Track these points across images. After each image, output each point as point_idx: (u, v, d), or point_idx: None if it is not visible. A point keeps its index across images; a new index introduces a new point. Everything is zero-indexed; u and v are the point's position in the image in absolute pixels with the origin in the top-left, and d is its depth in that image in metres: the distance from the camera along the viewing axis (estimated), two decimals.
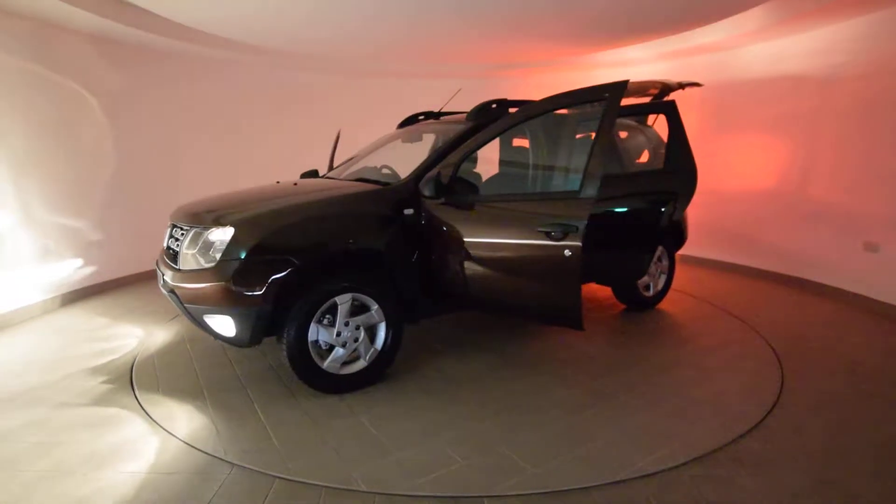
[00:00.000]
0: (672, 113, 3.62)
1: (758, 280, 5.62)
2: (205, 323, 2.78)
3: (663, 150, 4.68)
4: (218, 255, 2.67)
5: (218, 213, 2.84)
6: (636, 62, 6.47)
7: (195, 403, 2.83)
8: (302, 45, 5.64)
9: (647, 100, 4.82)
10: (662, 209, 3.91)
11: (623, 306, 4.58)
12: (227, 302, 2.66)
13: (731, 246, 6.10)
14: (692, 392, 2.97)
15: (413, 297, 3.17)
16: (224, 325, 2.72)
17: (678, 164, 3.82)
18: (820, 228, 5.11)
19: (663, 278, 4.62)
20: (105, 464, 2.28)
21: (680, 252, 6.49)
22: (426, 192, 3.00)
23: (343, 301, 2.87)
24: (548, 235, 2.69)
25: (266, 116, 6.66)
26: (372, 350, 3.02)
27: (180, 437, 2.49)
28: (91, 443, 2.45)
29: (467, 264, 3.05)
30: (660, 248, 4.49)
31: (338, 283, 2.84)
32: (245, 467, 2.25)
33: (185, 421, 2.65)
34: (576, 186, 2.67)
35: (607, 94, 2.64)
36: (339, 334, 2.88)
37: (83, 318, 4.30)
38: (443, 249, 3.12)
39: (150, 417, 2.68)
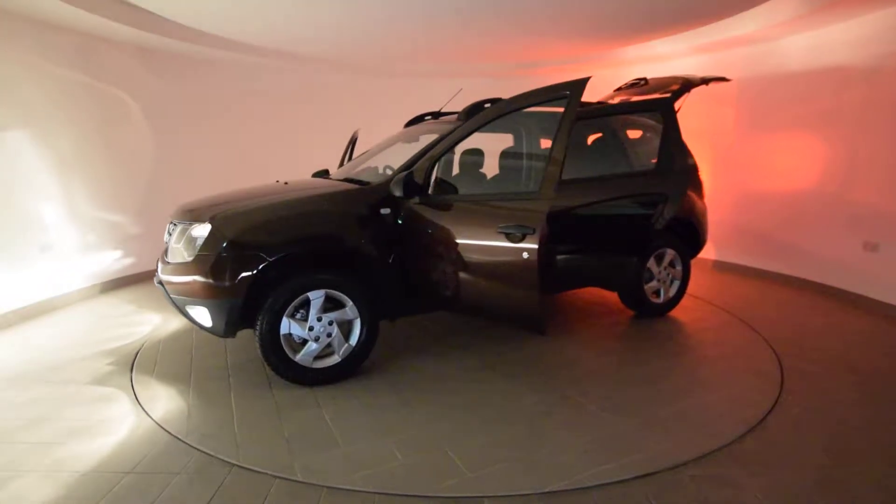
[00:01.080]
0: (667, 110, 3.43)
1: (796, 290, 5.20)
2: (188, 313, 2.97)
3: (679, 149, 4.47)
4: (197, 250, 2.85)
5: (200, 211, 3.02)
6: (667, 57, 6.16)
7: (179, 388, 3.04)
8: (323, 49, 5.84)
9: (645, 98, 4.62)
10: (652, 212, 3.71)
11: (632, 312, 4.41)
12: (203, 294, 2.83)
13: (766, 252, 5.68)
14: (680, 401, 2.85)
15: (390, 296, 3.22)
16: (202, 315, 2.90)
17: (670, 165, 3.61)
18: (865, 234, 4.65)
19: (676, 284, 4.38)
20: (80, 437, 2.50)
21: (715, 258, 6.16)
22: (395, 193, 3.04)
23: (315, 297, 2.97)
24: (508, 237, 2.65)
25: (291, 117, 6.93)
26: (346, 346, 3.10)
27: (154, 418, 2.69)
28: (76, 419, 2.69)
29: (438, 265, 3.07)
30: (670, 253, 4.27)
31: (309, 279, 2.94)
32: (205, 452, 2.39)
33: (163, 402, 2.85)
34: (536, 188, 2.61)
35: (568, 92, 2.56)
36: (311, 329, 2.98)
37: (115, 305, 4.71)
38: (416, 249, 3.15)
39: (136, 398, 2.91)
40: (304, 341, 3.00)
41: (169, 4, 4.29)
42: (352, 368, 3.15)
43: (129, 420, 2.67)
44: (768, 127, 5.56)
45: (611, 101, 4.94)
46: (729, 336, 3.90)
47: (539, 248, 2.53)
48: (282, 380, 3.08)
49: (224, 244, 2.81)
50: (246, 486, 2.13)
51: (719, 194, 6.08)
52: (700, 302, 4.78)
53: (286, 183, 3.61)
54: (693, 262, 6.28)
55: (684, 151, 3.47)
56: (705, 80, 4.50)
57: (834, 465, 2.28)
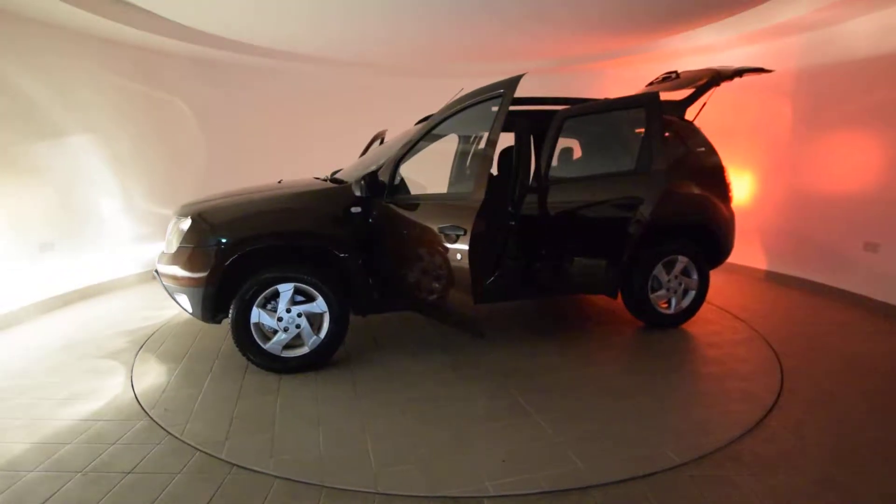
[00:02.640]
0: (653, 106, 3.17)
1: (849, 308, 4.56)
2: (175, 299, 3.28)
3: (702, 148, 4.13)
4: (179, 242, 3.14)
5: (189, 206, 3.32)
6: (714, 48, 5.66)
7: (168, 367, 3.37)
8: (358, 52, 6.08)
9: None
10: (629, 215, 3.44)
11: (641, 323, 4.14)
12: (183, 282, 3.12)
13: (819, 263, 5.03)
14: (652, 418, 2.68)
15: (359, 293, 3.31)
16: (185, 302, 3.19)
17: (649, 166, 3.33)
18: None
19: (690, 295, 4.04)
20: (67, 402, 2.87)
21: (767, 268, 5.55)
22: (356, 193, 3.12)
23: (285, 290, 3.15)
24: (447, 238, 2.63)
25: (328, 118, 7.22)
26: (314, 338, 3.24)
27: (135, 391, 3.01)
28: (72, 384, 3.09)
29: (397, 264, 3.11)
30: (683, 260, 3.95)
31: (278, 272, 3.12)
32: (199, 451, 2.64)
33: (150, 378, 3.18)
34: (470, 189, 2.57)
35: (502, 90, 2.48)
36: (280, 320, 3.16)
37: (156, 291, 5.26)
38: (382, 248, 3.22)
39: (131, 373, 3.27)
40: (276, 331, 3.19)
41: (216, 22, 4.77)
42: (321, 360, 3.29)
43: (115, 391, 3.01)
44: (831, 122, 4.91)
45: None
46: (729, 336, 3.74)
47: (470, 250, 2.48)
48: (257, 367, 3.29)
49: (200, 237, 3.07)
50: (246, 486, 2.14)
51: (774, 196, 5.50)
52: (721, 313, 4.35)
53: (280, 182, 3.83)
54: (742, 272, 5.76)
55: (663, 151, 3.18)
56: (739, 72, 4.12)
57: (834, 465, 2.29)
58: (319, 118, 7.20)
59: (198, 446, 2.44)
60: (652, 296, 3.94)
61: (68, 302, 4.74)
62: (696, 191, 3.99)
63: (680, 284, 4.00)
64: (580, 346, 3.67)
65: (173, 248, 3.21)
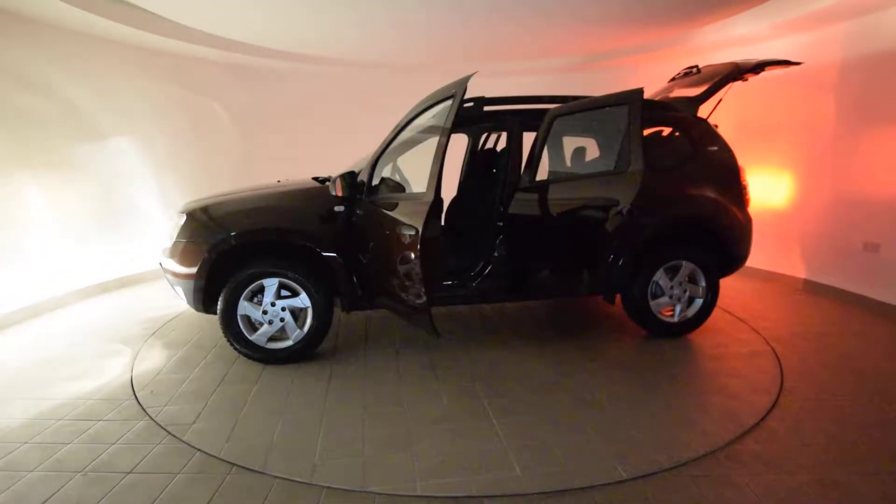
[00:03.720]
0: (634, 104, 3.00)
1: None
2: (175, 290, 3.51)
3: (715, 147, 3.90)
4: (176, 237, 3.36)
5: (188, 203, 3.54)
6: (751, 39, 5.28)
7: (169, 353, 3.61)
8: (384, 54, 6.20)
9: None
10: (604, 217, 3.28)
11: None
12: (177, 275, 3.33)
13: (874, 277, 4.56)
14: (621, 423, 2.58)
15: (343, 290, 3.39)
16: (180, 293, 3.41)
17: (626, 166, 3.15)
18: None
19: (697, 303, 3.81)
20: (73, 379, 3.15)
21: (805, 277, 5.10)
22: (331, 192, 3.19)
23: (269, 284, 3.29)
24: (403, 238, 2.65)
25: (349, 117, 7.37)
26: (297, 332, 3.36)
27: (133, 373, 3.26)
28: (81, 362, 3.39)
29: (371, 263, 3.17)
30: (688, 266, 3.73)
31: (262, 267, 3.26)
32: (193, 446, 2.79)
33: (148, 363, 3.43)
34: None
35: (454, 91, 2.46)
36: (265, 313, 3.31)
37: None
38: (361, 247, 3.28)
39: (135, 357, 3.54)
40: (262, 323, 3.34)
41: (246, 30, 5.09)
42: (304, 353, 3.40)
43: (116, 372, 3.28)
44: (879, 118, 4.45)
45: (666, 94, 4.47)
46: (728, 336, 3.69)
47: (421, 250, 2.48)
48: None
49: (191, 232, 3.27)
50: (246, 486, 2.15)
51: (814, 199, 5.06)
52: (735, 324, 4.06)
53: (278, 181, 4.00)
54: (773, 280, 5.33)
55: (640, 151, 3.00)
56: (760, 65, 3.86)
57: (834, 465, 2.28)
58: (344, 117, 7.39)
59: (166, 426, 2.62)
60: (652, 302, 3.75)
61: (106, 290, 5.18)
62: (704, 192, 3.76)
63: (685, 292, 3.78)
64: (567, 353, 3.56)
65: (170, 242, 3.44)
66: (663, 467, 2.26)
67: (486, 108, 3.64)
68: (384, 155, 3.16)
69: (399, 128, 3.06)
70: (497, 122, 3.89)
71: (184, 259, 3.28)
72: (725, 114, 5.80)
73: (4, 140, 4.22)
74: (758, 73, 4.01)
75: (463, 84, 2.49)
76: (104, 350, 3.66)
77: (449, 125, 2.53)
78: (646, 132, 4.27)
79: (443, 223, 4.38)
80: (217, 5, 4.39)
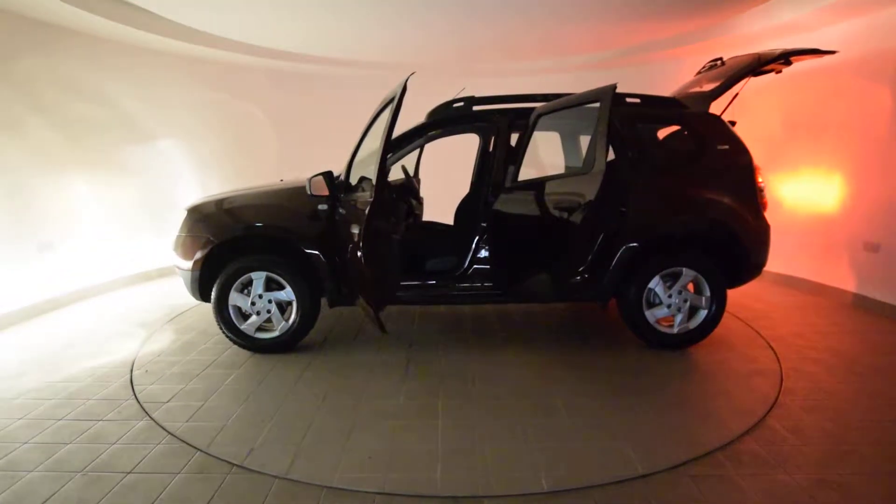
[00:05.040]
0: (605, 100, 2.82)
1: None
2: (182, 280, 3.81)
3: (726, 146, 3.63)
4: (178, 231, 3.64)
5: (192, 201, 3.81)
6: (799, 27, 4.78)
7: (176, 338, 3.92)
8: (410, 55, 6.31)
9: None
10: (567, 218, 3.09)
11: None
12: (179, 267, 3.61)
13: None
14: (578, 434, 2.49)
15: (327, 286, 3.51)
16: (183, 283, 3.69)
17: (591, 166, 2.95)
18: None
19: (701, 314, 3.54)
20: (94, 356, 3.51)
21: (855, 290, 4.54)
22: (308, 191, 3.29)
23: (257, 277, 3.47)
24: (354, 235, 2.70)
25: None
26: (283, 323, 3.53)
27: (138, 354, 3.57)
28: (94, 343, 3.76)
29: (348, 259, 3.25)
30: (689, 274, 3.48)
31: (251, 261, 3.45)
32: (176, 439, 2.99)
33: (154, 345, 3.75)
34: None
35: (401, 91, 2.48)
36: (253, 304, 3.50)
37: None
38: (341, 244, 3.37)
39: (147, 337, 3.88)
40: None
41: (283, 38, 5.47)
42: (290, 344, 3.56)
43: (124, 352, 3.61)
44: None
45: (693, 87, 4.20)
46: (728, 336, 3.63)
47: (362, 249, 2.51)
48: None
49: (189, 227, 3.54)
50: (246, 486, 2.15)
51: (866, 205, 4.50)
52: (746, 335, 3.72)
53: (281, 180, 4.19)
54: (818, 292, 4.78)
55: (604, 150, 2.79)
56: (784, 56, 3.55)
57: (834, 464, 2.28)
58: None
59: (143, 403, 2.86)
60: (648, 312, 3.53)
61: (148, 278, 5.71)
62: (709, 194, 3.48)
63: (685, 301, 3.52)
64: (551, 360, 3.45)
65: (174, 236, 3.73)
66: (591, 483, 2.14)
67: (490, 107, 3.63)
68: (359, 154, 3.24)
69: (362, 135, 3.13)
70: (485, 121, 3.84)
71: (183, 251, 3.55)
72: (771, 110, 5.32)
73: (62, 144, 4.78)
74: (785, 64, 3.67)
75: (402, 87, 2.51)
76: (124, 332, 4.04)
77: (391, 129, 2.56)
78: (663, 131, 4.05)
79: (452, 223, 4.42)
80: (253, 17, 4.74)
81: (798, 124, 5.15)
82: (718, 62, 4.03)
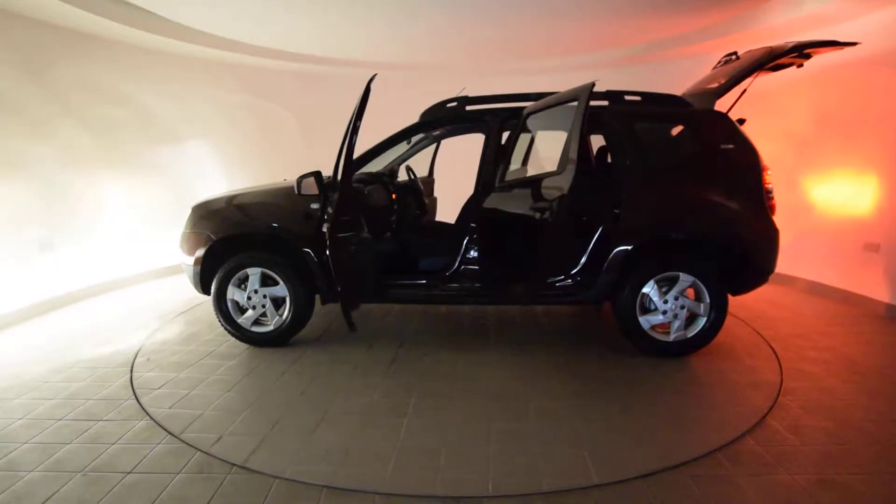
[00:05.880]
0: (581, 99, 2.72)
1: None
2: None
3: (731, 146, 3.46)
4: (183, 228, 3.82)
5: (198, 199, 3.99)
6: (832, 17, 4.46)
7: (182, 328, 4.12)
8: (433, 55, 6.35)
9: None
10: (543, 219, 3.00)
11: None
12: (183, 261, 3.79)
13: None
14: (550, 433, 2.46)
15: (319, 284, 3.58)
16: (187, 277, 3.87)
17: (563, 165, 2.84)
18: None
19: (699, 322, 3.38)
20: (106, 342, 3.75)
21: (889, 301, 4.19)
22: (297, 191, 3.37)
23: (253, 273, 3.60)
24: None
25: (402, 117, 7.61)
26: (277, 318, 3.64)
27: (144, 344, 3.78)
28: (104, 328, 4.01)
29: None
30: (686, 279, 3.33)
31: (247, 257, 3.58)
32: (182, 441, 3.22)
33: (162, 335, 3.95)
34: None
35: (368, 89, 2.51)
36: (249, 299, 3.63)
37: None
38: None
39: (158, 328, 4.10)
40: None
41: (313, 44, 5.71)
42: (284, 338, 3.67)
43: (133, 342, 3.83)
44: None
45: (710, 83, 4.03)
46: (728, 335, 3.59)
47: (328, 248, 2.55)
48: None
49: (191, 223, 3.71)
50: (246, 486, 2.15)
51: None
52: (755, 345, 3.51)
53: (284, 179, 4.31)
54: (851, 303, 4.44)
55: (571, 149, 2.68)
56: (799, 48, 3.36)
57: (834, 464, 2.28)
58: (397, 118, 7.66)
59: (136, 388, 3.02)
60: (642, 318, 3.40)
61: (174, 271, 6.00)
62: (709, 196, 3.32)
63: (682, 308, 3.37)
64: (539, 363, 3.38)
65: (181, 232, 3.92)
66: (540, 490, 2.09)
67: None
68: (340, 157, 3.29)
69: (348, 132, 3.17)
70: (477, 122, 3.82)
71: (187, 247, 3.72)
72: (801, 107, 5.00)
73: (92, 145, 5.12)
74: (803, 57, 3.47)
75: (368, 84, 2.53)
76: (139, 322, 4.28)
77: (355, 133, 2.59)
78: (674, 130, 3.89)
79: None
80: (273, 24, 4.94)
81: (828, 122, 4.82)
82: (734, 56, 3.84)
